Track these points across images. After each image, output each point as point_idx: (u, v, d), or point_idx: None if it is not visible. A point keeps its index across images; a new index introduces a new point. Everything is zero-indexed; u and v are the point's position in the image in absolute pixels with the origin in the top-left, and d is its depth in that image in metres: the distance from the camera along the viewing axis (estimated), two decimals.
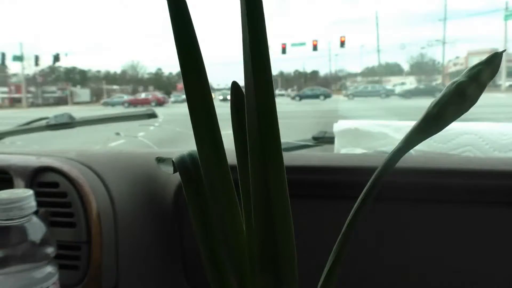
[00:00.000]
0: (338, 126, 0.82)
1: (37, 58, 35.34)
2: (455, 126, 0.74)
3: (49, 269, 0.56)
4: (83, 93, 45.36)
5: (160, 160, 0.34)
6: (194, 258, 0.76)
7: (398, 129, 0.77)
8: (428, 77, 48.07)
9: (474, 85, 0.26)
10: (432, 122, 0.28)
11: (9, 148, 1.37)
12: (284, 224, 0.26)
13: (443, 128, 0.28)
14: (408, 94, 28.10)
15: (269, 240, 0.26)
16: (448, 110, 0.27)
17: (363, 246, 0.64)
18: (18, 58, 35.49)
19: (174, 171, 0.29)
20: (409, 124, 0.77)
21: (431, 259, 0.64)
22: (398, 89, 32.96)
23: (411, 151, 0.75)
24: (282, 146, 0.92)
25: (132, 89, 55.26)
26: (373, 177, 0.28)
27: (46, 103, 40.59)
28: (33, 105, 39.00)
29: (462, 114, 0.27)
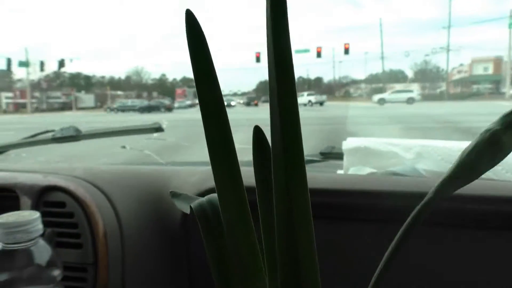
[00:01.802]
0: (348, 144, 0.81)
1: (42, 64, 35.52)
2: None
3: None
4: (88, 99, 45.52)
5: (174, 195, 0.33)
6: (201, 277, 0.75)
7: (408, 148, 0.76)
8: (432, 84, 47.99)
9: (509, 133, 0.25)
10: (465, 172, 0.26)
11: (15, 161, 1.36)
12: (310, 266, 0.25)
13: (477, 177, 0.27)
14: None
15: (293, 282, 0.25)
16: (482, 159, 0.26)
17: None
18: (24, 64, 35.68)
19: (191, 212, 0.28)
20: (421, 143, 0.76)
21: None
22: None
23: (422, 171, 0.74)
24: None
25: (136, 94, 55.41)
26: (400, 232, 0.26)
27: (51, 109, 40.77)
28: (37, 110, 39.18)
29: (498, 163, 0.26)
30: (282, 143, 0.24)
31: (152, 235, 0.72)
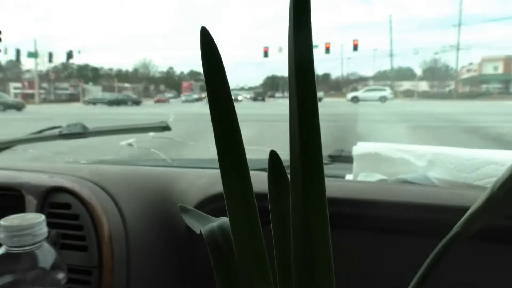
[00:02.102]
0: (358, 149, 0.79)
1: (50, 55, 35.65)
2: (481, 155, 0.71)
3: None
4: (95, 91, 45.70)
5: (183, 210, 0.32)
6: (206, 281, 0.74)
7: (420, 155, 0.74)
8: (440, 82, 47.72)
9: None
10: (495, 205, 0.25)
11: (21, 157, 1.36)
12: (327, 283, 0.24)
13: (508, 212, 0.25)
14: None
15: None
16: None
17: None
18: (33, 55, 35.84)
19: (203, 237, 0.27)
20: (433, 151, 0.75)
21: None
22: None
23: (434, 180, 0.72)
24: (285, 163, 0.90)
25: (144, 87, 55.59)
26: (423, 268, 0.25)
27: (58, 100, 41.00)
28: (45, 101, 39.44)
29: None
30: (301, 151, 0.23)
31: (157, 238, 0.71)
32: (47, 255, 0.54)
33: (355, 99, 28.94)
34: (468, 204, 0.58)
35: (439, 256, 0.25)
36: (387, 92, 30.46)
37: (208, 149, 1.28)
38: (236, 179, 0.25)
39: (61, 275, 0.55)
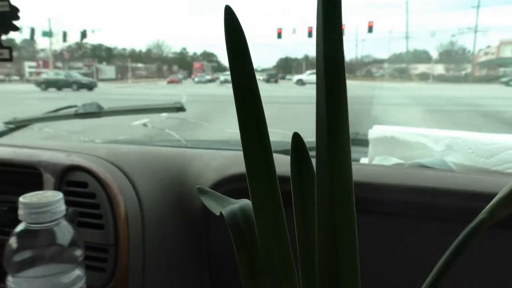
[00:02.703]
0: (374, 133, 0.78)
1: (65, 34, 35.71)
2: (499, 140, 0.70)
3: (77, 272, 0.56)
4: (109, 70, 45.81)
5: (202, 191, 0.32)
6: (221, 262, 0.75)
7: (438, 140, 0.73)
8: (457, 65, 46.87)
9: None
10: None
11: (38, 135, 1.38)
12: (352, 277, 0.24)
13: None
14: None
15: None
16: None
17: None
18: (47, 34, 35.95)
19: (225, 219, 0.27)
20: (451, 135, 0.73)
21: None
22: None
23: (451, 164, 0.72)
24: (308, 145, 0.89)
25: (157, 67, 55.61)
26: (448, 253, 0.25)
27: None
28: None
29: None
30: (328, 134, 0.23)
31: (172, 218, 0.72)
32: (65, 232, 0.55)
33: (300, 82, 29.99)
34: (487, 190, 0.57)
35: (464, 243, 0.24)
36: None
37: (223, 131, 1.28)
38: (260, 162, 0.25)
39: (78, 252, 0.56)
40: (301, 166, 0.27)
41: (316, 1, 0.22)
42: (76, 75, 25.23)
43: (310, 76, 31.85)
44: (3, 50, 0.65)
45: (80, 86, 21.76)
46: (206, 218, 0.73)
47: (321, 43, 0.22)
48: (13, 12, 0.65)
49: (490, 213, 0.24)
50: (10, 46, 0.66)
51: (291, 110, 9.03)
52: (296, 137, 0.26)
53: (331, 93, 0.22)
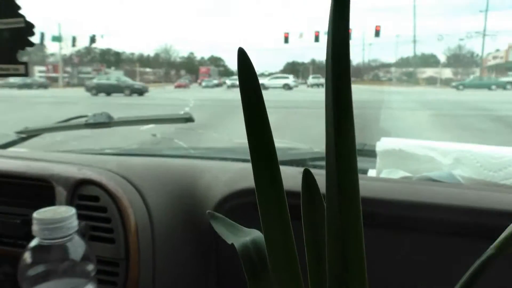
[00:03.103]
0: (381, 145, 0.79)
1: (74, 39, 36.04)
2: (508, 154, 0.70)
3: (90, 286, 0.57)
4: (117, 75, 46.14)
5: (213, 217, 0.32)
6: (230, 275, 0.76)
7: (446, 153, 0.73)
8: (465, 69, 46.58)
9: None
10: None
11: (50, 140, 1.39)
12: None
13: None
14: None
15: None
16: None
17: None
18: (57, 39, 36.25)
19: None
20: (459, 148, 0.74)
21: None
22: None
23: (460, 178, 0.72)
24: (311, 156, 0.89)
25: (165, 72, 55.85)
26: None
27: (81, 84, 41.51)
28: (68, 85, 39.99)
29: None
30: (335, 147, 0.24)
31: (181, 231, 0.73)
32: (77, 247, 0.56)
33: (287, 86, 32.11)
34: (495, 207, 0.57)
35: (473, 278, 0.25)
36: (290, 80, 34.85)
37: (231, 141, 1.29)
38: (271, 192, 0.26)
39: (90, 267, 0.57)
40: (312, 208, 0.27)
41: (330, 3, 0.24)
42: (127, 79, 24.57)
43: (271, 80, 34.54)
44: (19, 66, 0.67)
45: (133, 91, 21.15)
46: (215, 232, 0.74)
47: (330, 44, 0.24)
48: (29, 28, 0.66)
49: (499, 248, 0.25)
50: (26, 62, 0.68)
51: (296, 116, 9.05)
52: (307, 174, 0.27)
53: (337, 92, 0.24)
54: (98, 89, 21.41)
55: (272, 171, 0.26)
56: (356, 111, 0.24)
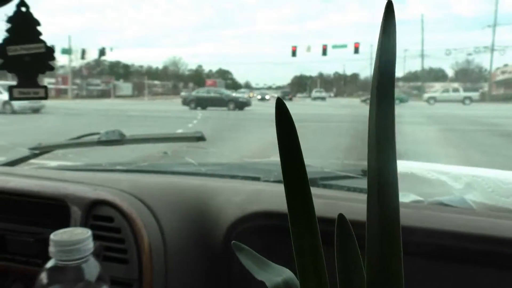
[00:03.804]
0: None
1: (83, 52, 36.45)
2: None
3: None
4: (126, 87, 46.52)
5: (238, 248, 0.33)
6: None
7: (458, 177, 0.73)
8: (473, 84, 46.43)
9: None
10: None
11: (63, 159, 1.41)
12: None
13: None
14: None
15: None
16: None
17: None
18: (67, 51, 36.68)
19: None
20: (471, 173, 0.74)
21: None
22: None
23: (471, 203, 0.72)
24: (322, 175, 0.89)
25: (173, 85, 56.23)
26: None
27: (90, 96, 41.87)
28: (77, 96, 40.35)
29: None
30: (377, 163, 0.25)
31: (194, 251, 0.73)
32: (92, 268, 0.57)
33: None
34: (508, 235, 0.58)
35: None
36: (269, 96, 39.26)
37: (240, 158, 1.30)
38: (304, 221, 0.28)
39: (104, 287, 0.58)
40: (346, 253, 0.28)
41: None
42: (227, 92, 23.22)
43: (316, 93, 39.55)
44: (39, 89, 0.68)
45: (238, 105, 19.42)
46: (227, 252, 0.74)
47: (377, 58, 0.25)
48: (49, 53, 0.68)
49: None
50: (45, 86, 0.70)
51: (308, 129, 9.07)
52: (341, 219, 0.28)
53: (380, 120, 0.25)
54: (198, 102, 20.07)
55: (306, 204, 0.27)
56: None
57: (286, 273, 0.30)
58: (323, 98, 39.27)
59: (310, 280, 0.28)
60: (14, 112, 14.14)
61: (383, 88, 0.25)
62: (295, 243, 0.28)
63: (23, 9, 0.65)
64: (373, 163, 0.25)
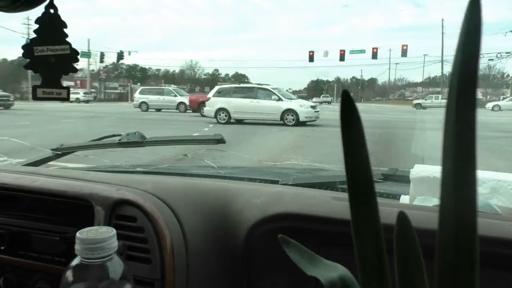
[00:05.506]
0: (415, 173, 0.78)
1: (102, 55, 36.99)
2: None
3: None
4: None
5: (284, 242, 0.32)
6: None
7: (482, 182, 0.72)
8: (495, 90, 45.69)
9: None
10: None
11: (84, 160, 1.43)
12: None
13: None
14: None
15: None
16: None
17: None
18: (86, 55, 37.21)
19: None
20: (496, 177, 0.73)
21: None
22: None
23: (496, 208, 0.71)
24: (341, 179, 0.88)
25: (189, 88, 56.67)
26: None
27: (108, 99, 42.40)
28: (95, 99, 40.89)
29: None
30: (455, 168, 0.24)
31: (215, 253, 0.73)
32: (116, 266, 0.58)
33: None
34: None
35: None
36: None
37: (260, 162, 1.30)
38: (370, 239, 0.27)
39: (128, 286, 0.58)
40: (406, 247, 0.27)
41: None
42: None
43: (323, 98, 46.95)
44: (62, 90, 0.70)
45: None
46: (248, 255, 0.74)
47: (458, 56, 0.24)
48: (73, 55, 0.69)
49: None
50: (68, 87, 0.71)
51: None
52: (402, 217, 0.27)
53: (461, 119, 0.24)
54: None
55: (371, 210, 0.27)
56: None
57: (340, 269, 0.29)
58: (328, 102, 47.94)
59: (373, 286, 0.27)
60: None
61: (464, 89, 0.24)
62: (358, 247, 0.27)
63: (52, 11, 0.66)
64: (448, 170, 0.24)
